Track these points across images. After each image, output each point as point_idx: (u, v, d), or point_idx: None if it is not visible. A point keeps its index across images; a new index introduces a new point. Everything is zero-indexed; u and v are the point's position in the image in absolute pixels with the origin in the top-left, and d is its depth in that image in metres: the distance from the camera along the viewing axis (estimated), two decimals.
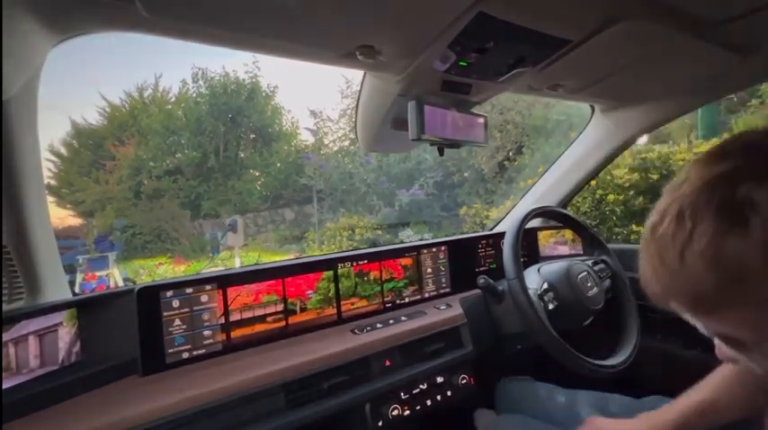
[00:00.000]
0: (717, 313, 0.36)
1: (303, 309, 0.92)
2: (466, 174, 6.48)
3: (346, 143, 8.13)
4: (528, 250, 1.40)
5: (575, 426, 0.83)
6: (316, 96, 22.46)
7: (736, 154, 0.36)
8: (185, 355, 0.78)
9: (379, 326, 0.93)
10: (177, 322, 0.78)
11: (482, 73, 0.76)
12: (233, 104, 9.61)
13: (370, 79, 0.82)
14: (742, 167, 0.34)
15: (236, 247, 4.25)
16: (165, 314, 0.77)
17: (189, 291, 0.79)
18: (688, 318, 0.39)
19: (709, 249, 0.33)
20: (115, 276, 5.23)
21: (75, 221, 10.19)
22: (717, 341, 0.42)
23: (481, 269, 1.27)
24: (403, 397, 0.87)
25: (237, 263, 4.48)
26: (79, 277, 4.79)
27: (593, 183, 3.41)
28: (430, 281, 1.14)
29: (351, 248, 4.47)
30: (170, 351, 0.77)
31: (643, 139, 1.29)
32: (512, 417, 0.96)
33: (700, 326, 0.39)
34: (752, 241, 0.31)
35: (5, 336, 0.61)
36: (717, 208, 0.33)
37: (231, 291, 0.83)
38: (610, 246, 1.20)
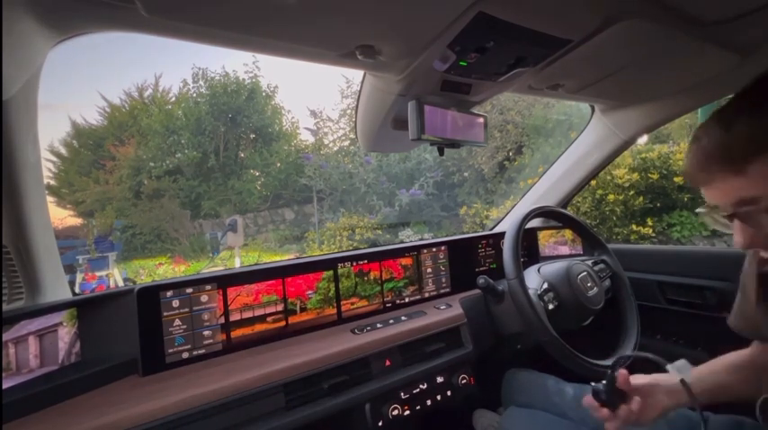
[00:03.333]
0: (744, 168, 0.42)
1: (303, 309, 0.92)
2: (466, 174, 6.47)
3: (346, 143, 8.12)
4: (528, 250, 1.40)
5: (583, 420, 0.82)
6: (316, 96, 22.53)
7: None
8: (185, 355, 0.78)
9: (379, 325, 0.93)
10: (177, 322, 0.78)
11: (482, 73, 0.76)
12: (233, 104, 9.60)
13: (370, 79, 0.82)
14: None
15: (236, 247, 4.24)
16: (164, 314, 0.77)
17: (189, 291, 0.79)
18: (716, 190, 0.47)
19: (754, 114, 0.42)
20: (115, 276, 5.23)
21: (75, 221, 10.19)
22: (736, 225, 0.47)
23: (481, 269, 1.27)
24: (403, 397, 0.87)
25: (237, 263, 4.48)
26: (79, 277, 4.79)
27: (593, 183, 3.41)
28: (430, 281, 1.14)
29: (351, 248, 4.47)
30: (170, 351, 0.77)
31: (643, 139, 1.28)
32: (520, 411, 0.95)
33: (723, 197, 0.46)
34: None
35: (5, 336, 0.61)
36: None
37: (231, 291, 0.83)
38: (610, 246, 1.20)
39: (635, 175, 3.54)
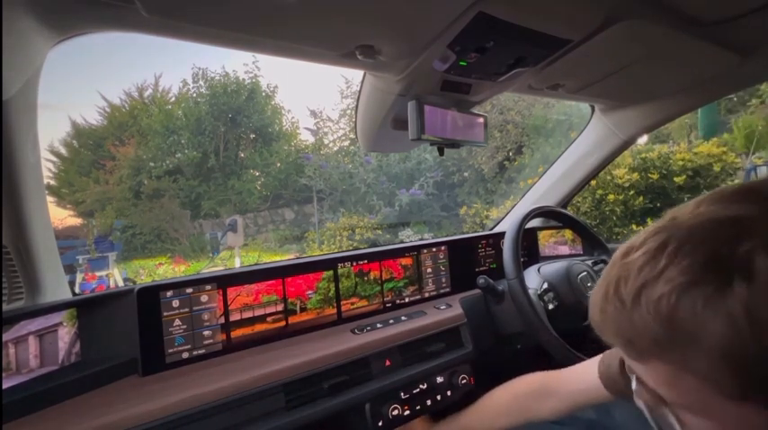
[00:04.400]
0: (645, 362, 0.33)
1: (303, 309, 0.92)
2: (466, 174, 6.48)
3: (346, 143, 8.14)
4: (528, 250, 1.40)
5: (573, 423, 0.82)
6: (316, 96, 22.58)
7: (763, 200, 0.29)
8: (185, 355, 0.78)
9: (379, 325, 0.93)
10: (177, 322, 0.78)
11: (482, 73, 0.76)
12: (233, 104, 9.60)
13: (370, 79, 0.82)
14: (759, 219, 0.27)
15: (236, 247, 4.25)
16: (164, 314, 0.77)
17: (189, 290, 0.79)
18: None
19: (669, 298, 0.28)
20: (115, 276, 5.23)
21: (75, 221, 10.20)
22: (634, 384, 0.38)
23: (481, 269, 1.27)
24: (403, 397, 0.87)
25: (237, 263, 4.48)
26: (79, 277, 4.80)
27: (593, 183, 3.41)
28: (430, 281, 1.14)
29: (351, 248, 4.47)
30: (170, 351, 0.77)
31: (643, 139, 1.28)
32: None
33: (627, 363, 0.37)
34: (721, 313, 0.26)
35: (5, 336, 0.61)
36: (705, 256, 0.28)
37: (231, 291, 0.83)
38: (610, 246, 1.20)
39: (635, 175, 3.53)
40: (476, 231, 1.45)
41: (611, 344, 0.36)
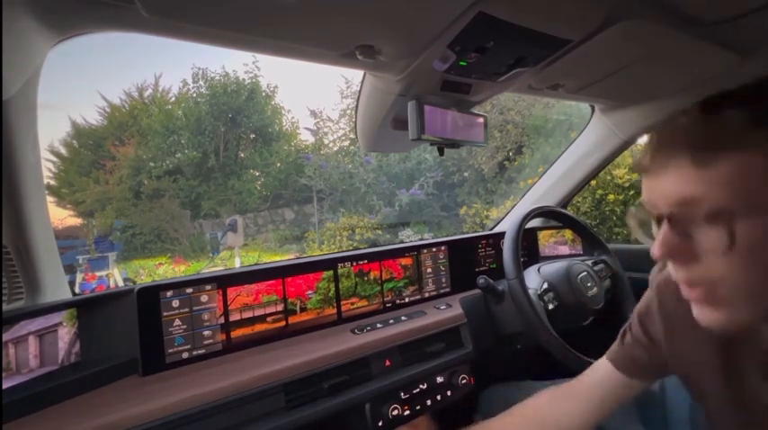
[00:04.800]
0: (717, 163, 0.33)
1: (303, 309, 0.92)
2: (466, 174, 6.48)
3: (346, 143, 8.13)
4: (528, 250, 1.40)
5: None
6: (316, 96, 22.58)
7: None
8: (185, 355, 0.78)
9: (379, 325, 0.93)
10: (177, 322, 0.78)
11: (482, 73, 0.76)
12: (233, 104, 9.60)
13: (370, 79, 0.82)
14: None
15: (236, 247, 4.24)
16: (164, 314, 0.77)
17: (189, 290, 0.79)
18: (661, 181, 0.37)
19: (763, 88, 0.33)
20: (115, 276, 5.23)
21: (75, 221, 10.20)
22: (662, 229, 0.38)
23: (481, 269, 1.27)
24: (403, 397, 0.87)
25: (237, 263, 4.48)
26: (79, 277, 4.79)
27: (593, 183, 3.41)
28: (430, 281, 1.14)
29: (351, 248, 4.47)
30: (170, 351, 0.77)
31: (643, 139, 1.28)
32: None
33: (664, 192, 0.37)
34: None
35: (5, 336, 0.61)
36: None
37: (231, 291, 0.83)
38: (610, 246, 1.20)
39: (635, 175, 3.53)
40: (476, 231, 1.45)
41: (667, 155, 0.37)
